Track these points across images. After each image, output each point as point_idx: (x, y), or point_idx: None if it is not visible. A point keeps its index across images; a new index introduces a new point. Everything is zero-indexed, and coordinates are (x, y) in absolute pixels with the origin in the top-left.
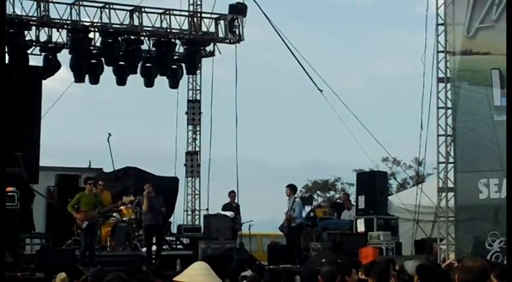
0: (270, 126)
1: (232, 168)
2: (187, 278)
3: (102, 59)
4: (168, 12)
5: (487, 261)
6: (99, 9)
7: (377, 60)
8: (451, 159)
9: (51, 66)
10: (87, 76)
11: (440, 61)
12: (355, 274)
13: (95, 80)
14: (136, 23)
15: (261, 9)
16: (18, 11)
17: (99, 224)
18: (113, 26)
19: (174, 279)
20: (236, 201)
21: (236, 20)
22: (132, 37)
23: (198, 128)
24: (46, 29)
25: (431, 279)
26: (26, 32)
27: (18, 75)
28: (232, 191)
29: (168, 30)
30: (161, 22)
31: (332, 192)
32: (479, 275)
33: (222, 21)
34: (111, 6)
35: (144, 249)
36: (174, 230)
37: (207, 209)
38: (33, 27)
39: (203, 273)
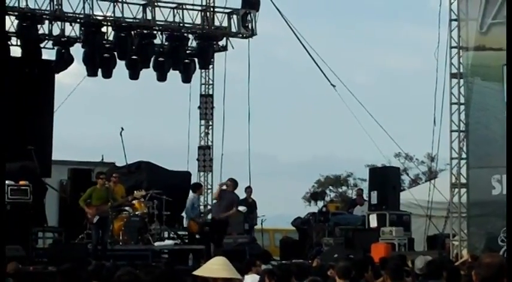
0: (282, 121)
1: (245, 163)
2: (208, 273)
3: (115, 53)
4: (181, 6)
5: None
6: (112, 3)
7: (390, 55)
8: (464, 155)
9: (64, 60)
10: (99, 70)
11: (454, 57)
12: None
13: (107, 74)
14: (149, 17)
15: (274, 4)
16: (31, 5)
17: (112, 218)
18: (126, 20)
19: (194, 273)
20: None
21: (249, 15)
22: (145, 31)
23: (210, 123)
24: (59, 22)
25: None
26: (39, 26)
27: (31, 69)
28: (249, 187)
29: (181, 24)
30: (174, 16)
31: (344, 188)
32: (497, 271)
33: (234, 16)
34: (124, 0)
35: (156, 243)
36: (186, 224)
37: None
38: (46, 21)
39: (223, 268)
